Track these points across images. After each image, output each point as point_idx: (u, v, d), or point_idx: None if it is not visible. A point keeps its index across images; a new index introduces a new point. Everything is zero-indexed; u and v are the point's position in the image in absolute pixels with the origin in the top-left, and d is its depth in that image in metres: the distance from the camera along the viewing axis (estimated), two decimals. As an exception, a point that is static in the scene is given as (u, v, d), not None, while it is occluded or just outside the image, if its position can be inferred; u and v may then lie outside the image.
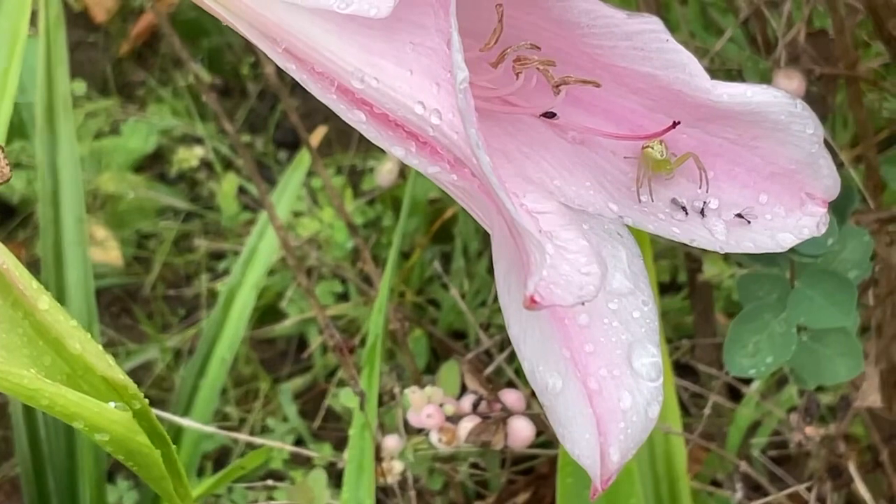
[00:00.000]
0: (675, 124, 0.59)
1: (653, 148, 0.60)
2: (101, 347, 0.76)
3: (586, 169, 0.61)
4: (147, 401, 0.78)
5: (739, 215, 0.61)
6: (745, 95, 0.58)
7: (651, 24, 0.57)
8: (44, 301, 0.74)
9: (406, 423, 1.40)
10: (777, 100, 0.59)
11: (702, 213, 0.61)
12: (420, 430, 1.38)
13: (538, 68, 0.58)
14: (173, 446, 0.80)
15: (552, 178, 0.60)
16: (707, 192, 0.61)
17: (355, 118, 0.57)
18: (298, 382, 2.23)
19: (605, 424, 0.57)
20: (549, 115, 0.61)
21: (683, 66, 0.58)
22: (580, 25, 0.57)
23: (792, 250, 1.19)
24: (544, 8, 0.57)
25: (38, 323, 0.73)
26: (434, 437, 1.33)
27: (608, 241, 0.59)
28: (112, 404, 0.75)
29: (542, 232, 0.54)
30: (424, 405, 1.34)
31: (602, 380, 0.57)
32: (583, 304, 0.51)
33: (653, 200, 0.61)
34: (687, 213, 0.61)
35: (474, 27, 0.57)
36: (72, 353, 0.74)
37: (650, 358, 0.58)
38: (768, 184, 0.61)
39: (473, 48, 0.58)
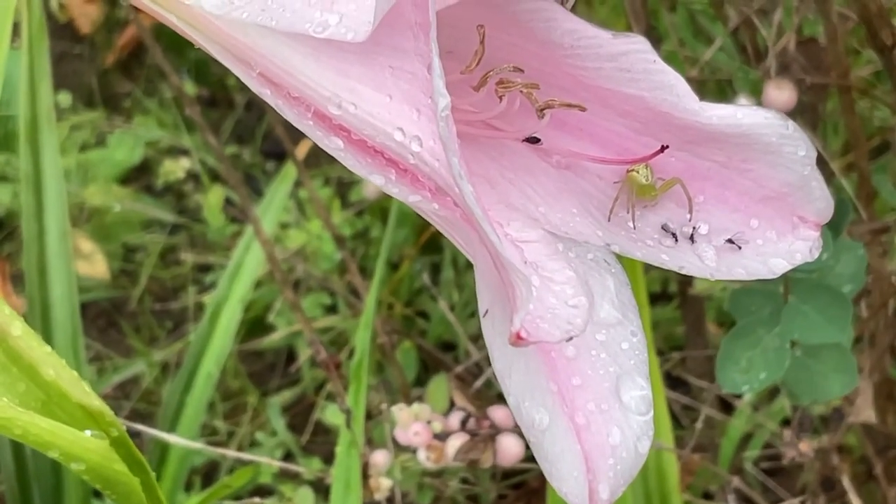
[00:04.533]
0: (663, 148, 0.57)
1: (638, 172, 0.59)
2: (76, 374, 0.75)
3: (572, 195, 0.59)
4: (124, 427, 0.76)
5: (730, 241, 0.59)
6: (735, 117, 0.57)
7: (637, 45, 0.56)
8: (17, 327, 0.73)
9: (395, 440, 1.39)
10: (768, 121, 0.57)
11: (691, 238, 0.59)
12: (408, 448, 1.37)
13: (521, 91, 0.57)
14: (152, 473, 0.79)
15: (537, 204, 0.59)
16: (696, 217, 0.59)
17: (332, 145, 0.55)
18: (287, 396, 2.21)
19: (594, 461, 0.55)
20: (534, 140, 0.59)
21: (671, 88, 0.56)
22: (564, 46, 0.56)
23: (786, 265, 1.18)
24: (527, 28, 0.56)
25: (10, 349, 0.72)
26: (422, 454, 1.31)
27: (595, 270, 0.58)
28: (88, 432, 0.73)
29: (528, 263, 0.52)
30: (412, 423, 1.33)
31: (590, 414, 0.55)
32: (570, 339, 0.50)
33: (635, 227, 0.59)
34: (676, 240, 0.59)
35: (455, 49, 0.56)
36: (46, 379, 0.73)
37: (639, 391, 0.56)
38: (760, 208, 0.59)
39: (454, 70, 0.56)
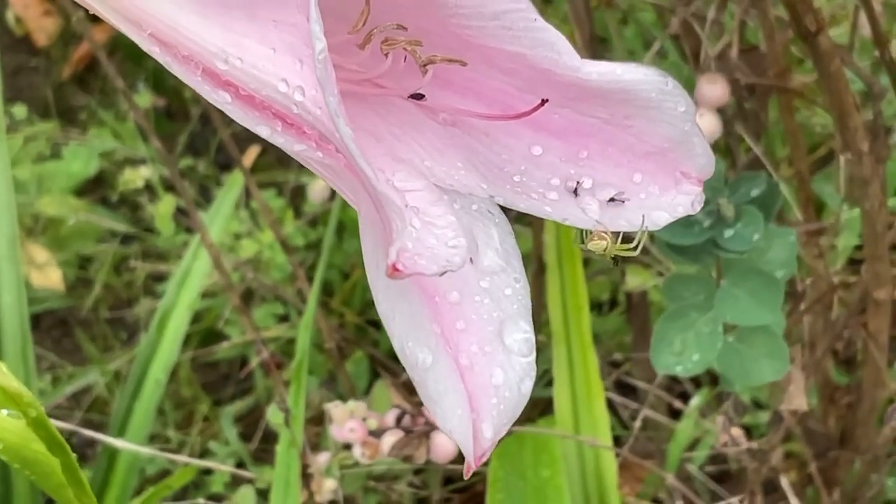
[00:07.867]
0: (543, 102, 0.59)
1: (594, 250, 0.61)
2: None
3: (457, 150, 0.61)
4: (43, 409, 0.77)
5: (613, 199, 0.61)
6: (615, 73, 0.58)
7: (518, 4, 0.57)
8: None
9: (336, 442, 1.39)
10: (648, 77, 0.58)
11: (574, 192, 0.61)
12: (347, 446, 1.37)
13: (405, 48, 0.58)
14: (73, 455, 0.80)
15: (423, 158, 0.60)
16: (580, 172, 0.61)
17: (221, 99, 0.57)
18: (240, 405, 2.22)
19: (478, 400, 0.57)
20: (418, 97, 0.60)
21: (551, 45, 0.58)
22: (448, 6, 0.57)
23: (718, 247, 1.20)
24: (411, -12, 0.57)
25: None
26: (357, 451, 1.32)
27: (480, 221, 0.59)
28: (5, 412, 0.74)
29: (409, 207, 0.54)
30: (347, 419, 1.33)
31: (473, 356, 0.57)
32: (444, 273, 0.51)
33: (525, 180, 0.61)
34: (559, 194, 0.61)
35: (343, 11, 0.57)
36: (-36, 362, 0.74)
37: (522, 334, 0.58)
38: (642, 163, 0.61)
39: (342, 32, 0.58)
